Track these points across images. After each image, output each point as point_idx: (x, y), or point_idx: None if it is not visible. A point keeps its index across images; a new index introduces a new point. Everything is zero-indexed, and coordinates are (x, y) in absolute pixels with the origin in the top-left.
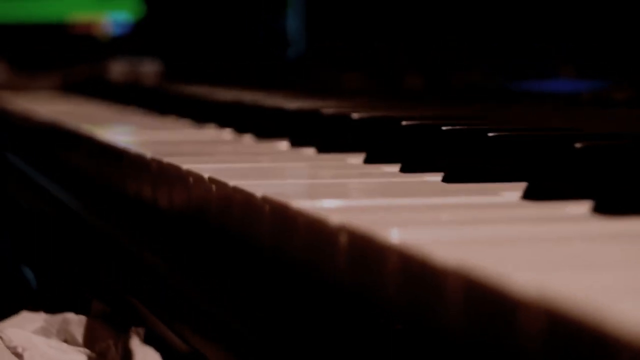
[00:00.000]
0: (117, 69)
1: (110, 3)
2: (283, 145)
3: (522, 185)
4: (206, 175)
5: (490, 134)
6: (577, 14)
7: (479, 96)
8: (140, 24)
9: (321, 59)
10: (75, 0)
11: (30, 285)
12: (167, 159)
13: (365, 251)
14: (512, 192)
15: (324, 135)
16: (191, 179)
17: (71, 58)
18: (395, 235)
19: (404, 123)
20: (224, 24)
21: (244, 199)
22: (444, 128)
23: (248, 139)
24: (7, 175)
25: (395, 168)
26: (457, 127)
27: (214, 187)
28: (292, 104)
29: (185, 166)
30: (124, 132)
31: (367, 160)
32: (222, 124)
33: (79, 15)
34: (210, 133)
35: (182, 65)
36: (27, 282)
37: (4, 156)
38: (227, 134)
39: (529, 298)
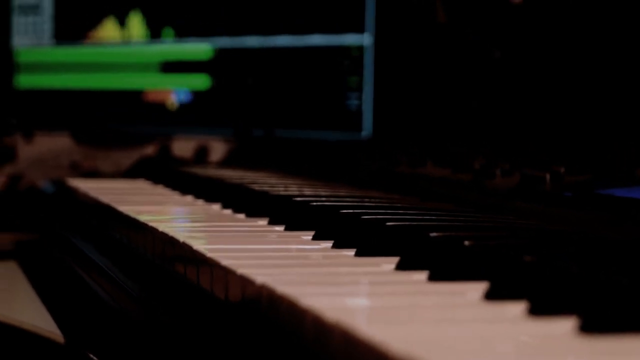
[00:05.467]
0: (186, 146)
1: (178, 77)
2: (388, 266)
3: None
4: (331, 320)
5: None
6: None
7: (579, 204)
8: (207, 97)
9: (396, 142)
10: (143, 73)
11: None
12: (280, 289)
13: None
14: None
15: (433, 260)
16: (310, 319)
17: (139, 129)
18: None
19: (526, 259)
20: (294, 99)
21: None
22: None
23: (350, 255)
24: (90, 271)
25: (519, 307)
26: (588, 272)
27: (337, 333)
28: (390, 214)
29: (304, 302)
30: (221, 242)
31: (488, 296)
32: (320, 235)
33: (147, 85)
34: (311, 247)
35: (251, 142)
36: None
37: (80, 251)
38: (327, 247)
39: None
